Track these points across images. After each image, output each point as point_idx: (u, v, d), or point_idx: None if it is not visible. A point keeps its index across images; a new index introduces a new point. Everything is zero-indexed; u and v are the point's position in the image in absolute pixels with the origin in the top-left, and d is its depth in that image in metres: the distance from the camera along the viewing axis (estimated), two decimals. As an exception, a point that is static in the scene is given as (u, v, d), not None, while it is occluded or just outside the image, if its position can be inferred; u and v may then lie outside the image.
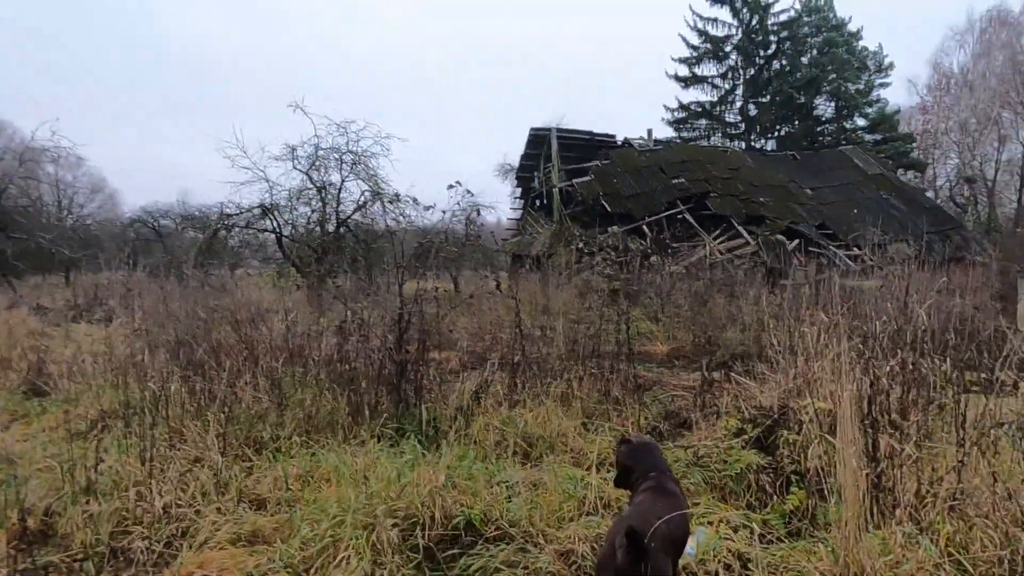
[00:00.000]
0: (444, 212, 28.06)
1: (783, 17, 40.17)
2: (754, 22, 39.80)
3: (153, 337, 7.16)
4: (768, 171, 22.48)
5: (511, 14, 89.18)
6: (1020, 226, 35.75)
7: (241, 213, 22.37)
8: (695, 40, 40.37)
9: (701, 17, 39.96)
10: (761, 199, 20.48)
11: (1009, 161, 47.17)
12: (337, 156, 22.98)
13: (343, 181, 23.26)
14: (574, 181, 20.23)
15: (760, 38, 39.95)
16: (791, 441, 3.90)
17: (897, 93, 60.46)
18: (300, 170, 22.99)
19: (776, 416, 4.38)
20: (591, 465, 3.99)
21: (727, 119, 40.94)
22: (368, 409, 4.63)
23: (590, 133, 22.38)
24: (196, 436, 4.36)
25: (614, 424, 4.89)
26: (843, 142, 35.62)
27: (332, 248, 22.90)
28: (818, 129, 40.93)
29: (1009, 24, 46.33)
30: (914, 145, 42.38)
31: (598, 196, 19.88)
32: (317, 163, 23.15)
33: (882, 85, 41.80)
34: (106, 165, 70.32)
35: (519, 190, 25.19)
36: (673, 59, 40.67)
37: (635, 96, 73.71)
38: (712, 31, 40.03)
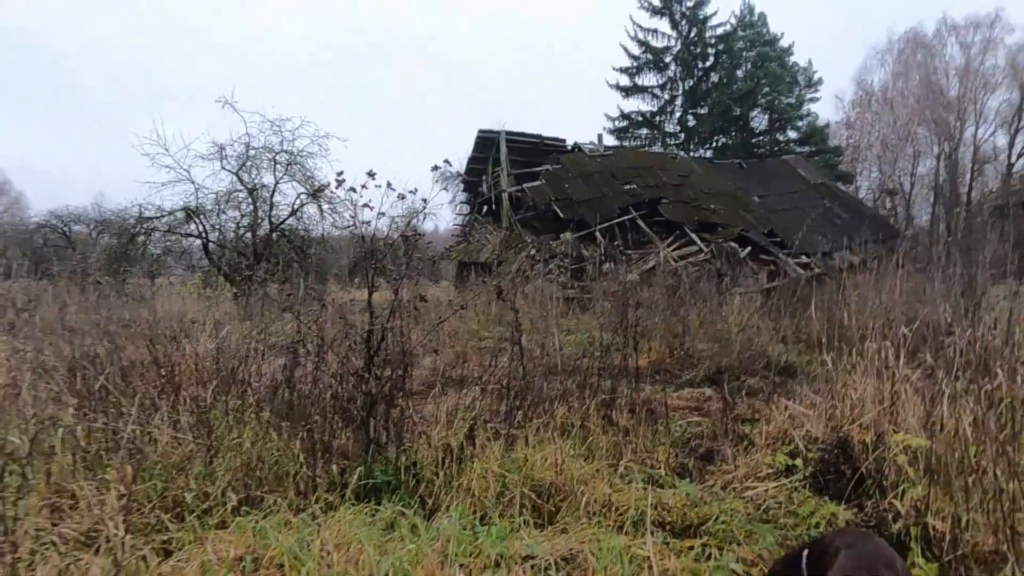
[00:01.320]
0: (389, 216, 26.91)
1: (720, 31, 40.93)
2: (692, 34, 40.35)
3: (45, 359, 5.81)
4: (716, 179, 22.38)
5: (450, 19, 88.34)
6: (936, 236, 37.48)
7: (162, 216, 20.48)
8: (636, 50, 40.61)
9: (642, 28, 40.25)
10: (712, 206, 20.26)
11: (924, 175, 49.86)
12: (270, 156, 21.42)
13: (277, 183, 21.67)
14: (525, 186, 19.43)
15: (699, 50, 40.54)
16: (884, 485, 3.11)
17: (825, 108, 63.18)
18: (229, 171, 21.26)
19: (836, 450, 3.61)
20: (629, 525, 3.08)
21: (667, 129, 41.29)
22: (328, 455, 3.56)
23: (539, 136, 21.68)
24: (91, 499, 3.19)
25: (636, 461, 3.99)
26: (777, 154, 36.44)
27: (265, 254, 21.28)
28: (753, 141, 41.83)
29: (924, 46, 48.96)
30: (841, 158, 44.01)
31: (550, 201, 19.14)
32: (248, 163, 21.52)
33: (812, 100, 43.26)
34: (8, 166, 64.86)
35: (464, 195, 24.25)
36: (615, 69, 40.79)
37: (575, 105, 74.23)
38: (653, 42, 40.35)
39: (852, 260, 21.32)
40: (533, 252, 18.08)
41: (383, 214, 4.02)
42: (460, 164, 22.57)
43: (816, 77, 43.24)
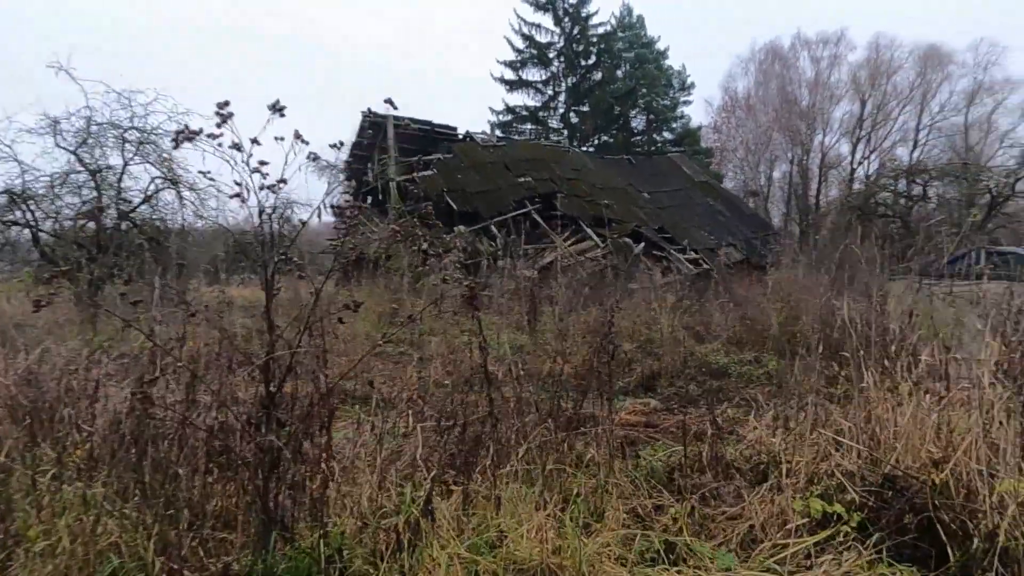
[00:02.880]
0: (263, 208, 24.36)
1: (600, 30, 41.53)
2: (575, 32, 40.61)
3: None
4: (607, 174, 22.28)
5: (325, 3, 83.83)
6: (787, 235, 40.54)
7: (-27, 200, 17.01)
8: (520, 44, 40.26)
9: (526, 22, 39.94)
10: (605, 201, 20.04)
11: (779, 179, 53.86)
12: (118, 134, 18.50)
13: (126, 165, 18.78)
14: (415, 175, 18.13)
15: (581, 48, 40.89)
16: (994, 548, 2.36)
17: (697, 111, 66.49)
18: (66, 148, 18.12)
19: (888, 492, 2.88)
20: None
21: (551, 125, 41.35)
22: (201, 548, 2.31)
23: (429, 123, 20.38)
24: None
25: (631, 516, 3.06)
26: (654, 153, 37.49)
27: (111, 246, 18.37)
28: (632, 140, 42.92)
29: (781, 58, 52.78)
30: (711, 160, 46.32)
31: (442, 192, 17.99)
32: (90, 140, 18.46)
33: (685, 103, 45.13)
34: None
35: (346, 183, 22.43)
36: (499, 62, 40.24)
37: (458, 97, 73.03)
38: (537, 37, 40.17)
39: (735, 256, 22.01)
40: (425, 246, 16.80)
41: (283, 182, 2.75)
42: (328, 151, 20.67)
43: (689, 81, 45.13)
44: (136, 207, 19.62)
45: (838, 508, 2.90)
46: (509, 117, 40.03)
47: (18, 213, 18.05)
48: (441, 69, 78.35)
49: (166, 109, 18.66)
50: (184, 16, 79.73)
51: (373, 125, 19.81)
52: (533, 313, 11.77)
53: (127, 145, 18.66)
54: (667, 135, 43.74)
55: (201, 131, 2.63)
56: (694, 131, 44.19)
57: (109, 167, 18.81)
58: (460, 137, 21.10)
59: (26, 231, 18.59)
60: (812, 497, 2.98)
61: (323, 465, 2.50)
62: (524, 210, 18.42)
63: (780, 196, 54.43)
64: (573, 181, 20.51)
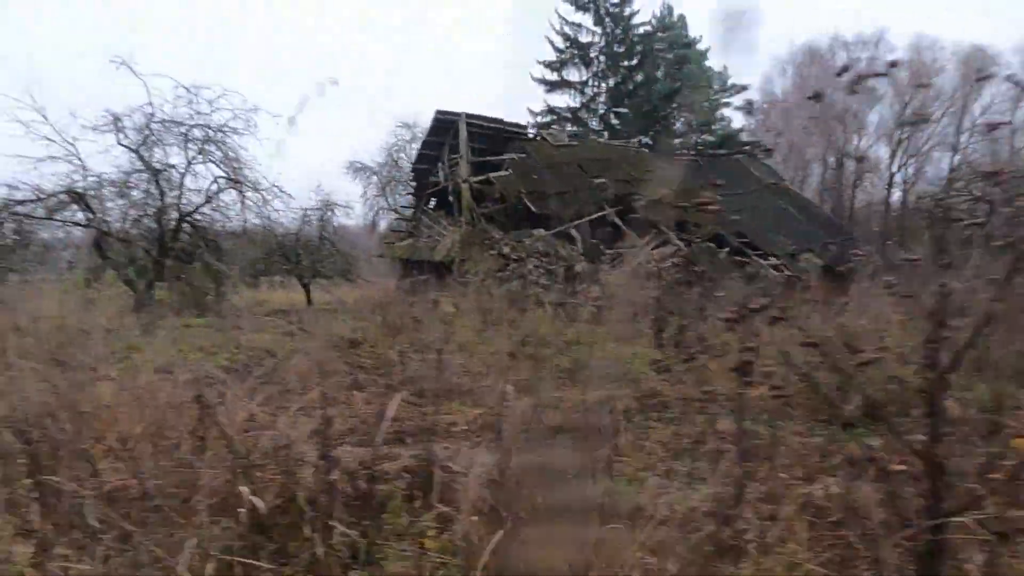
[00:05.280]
0: (305, 210, 23.63)
1: (641, 30, 40.77)
2: (618, 31, 39.87)
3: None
4: (678, 175, 21.40)
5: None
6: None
7: (38, 200, 16.39)
8: (561, 44, 39.57)
9: (567, 22, 39.25)
10: (682, 203, 19.18)
11: (816, 182, 52.81)
12: (181, 131, 17.85)
13: (189, 164, 18.14)
14: (492, 175, 17.37)
15: (623, 48, 40.13)
16: None
17: (737, 113, 65.25)
18: (128, 147, 17.52)
19: None
20: None
21: (591, 126, 40.60)
22: None
23: (500, 121, 19.62)
24: None
25: None
26: (711, 155, 36.60)
27: (174, 249, 17.73)
28: (673, 142, 42.06)
29: (819, 59, 51.80)
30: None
31: (519, 194, 17.20)
32: (151, 139, 17.83)
33: (726, 104, 44.28)
34: None
35: (409, 185, 21.72)
36: (539, 62, 39.53)
37: (482, 96, 72.24)
38: (578, 37, 39.49)
39: (816, 263, 21.06)
40: (507, 250, 16.05)
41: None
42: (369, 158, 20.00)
43: (729, 82, 44.27)
44: (198, 208, 18.97)
45: None
46: (550, 119, 39.27)
47: (79, 214, 17.47)
48: (470, 68, 77.70)
49: (231, 105, 18.00)
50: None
51: (443, 124, 19.04)
52: (660, 325, 10.93)
53: (190, 143, 18.02)
54: (708, 137, 42.87)
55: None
56: (736, 133, 43.30)
57: (171, 166, 18.18)
58: (531, 136, 20.33)
59: (80, 231, 17.98)
60: None
61: None
62: (603, 212, 17.61)
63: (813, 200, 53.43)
64: (647, 182, 19.65)
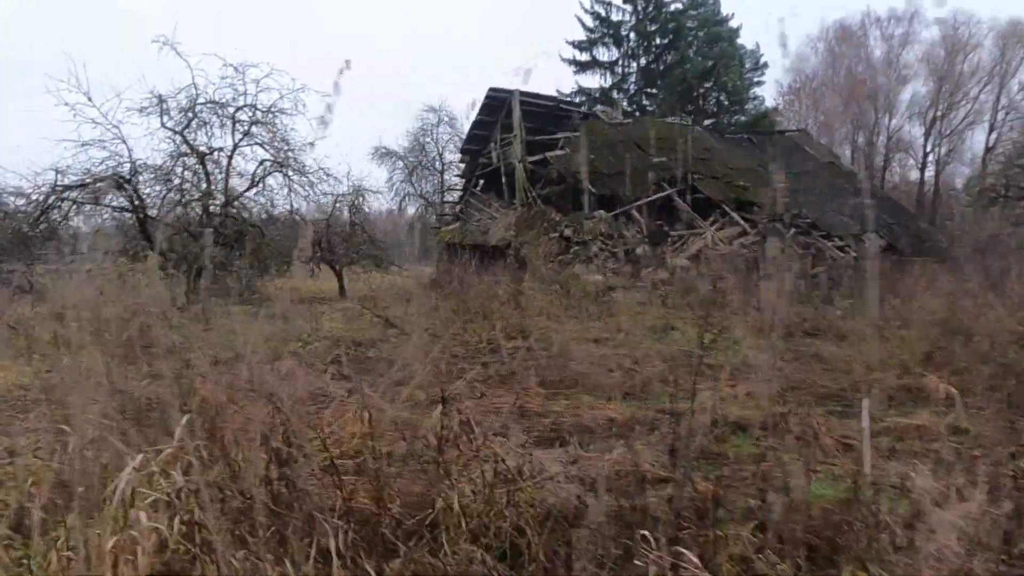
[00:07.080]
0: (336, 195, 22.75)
1: (673, 8, 39.66)
2: (649, 9, 38.80)
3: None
4: (735, 153, 20.66)
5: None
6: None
7: (86, 184, 15.92)
8: (590, 23, 38.58)
9: (598, 0, 38.23)
10: (742, 183, 18.45)
11: (847, 161, 51.50)
12: (227, 113, 17.29)
13: (236, 146, 17.59)
14: (548, 154, 16.67)
15: (655, 27, 39.07)
16: None
17: (769, 92, 63.29)
18: (172, 129, 16.99)
19: None
20: None
21: (622, 106, 39.65)
22: None
23: (554, 99, 18.86)
24: None
25: None
26: (757, 133, 35.66)
27: (225, 234, 17.22)
28: (705, 122, 41.06)
29: (850, 36, 50.36)
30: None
31: (576, 174, 16.51)
32: (196, 121, 17.28)
33: (758, 83, 43.11)
34: None
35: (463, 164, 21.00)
36: (568, 42, 38.59)
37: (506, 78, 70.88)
38: (609, 16, 38.48)
39: (879, 243, 20.27)
40: (568, 233, 15.40)
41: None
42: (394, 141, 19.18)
43: (762, 61, 43.10)
44: (244, 192, 18.46)
45: None
46: (582, 99, 38.35)
47: (119, 197, 16.98)
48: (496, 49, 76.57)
49: (279, 85, 17.39)
50: None
51: (495, 102, 18.26)
52: (765, 312, 10.30)
53: (237, 125, 17.46)
54: (740, 118, 41.78)
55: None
56: (767, 112, 42.20)
57: (218, 149, 17.65)
58: (584, 114, 19.56)
59: (126, 216, 17.48)
60: None
61: None
62: (665, 193, 16.91)
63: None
64: (705, 161, 18.93)
